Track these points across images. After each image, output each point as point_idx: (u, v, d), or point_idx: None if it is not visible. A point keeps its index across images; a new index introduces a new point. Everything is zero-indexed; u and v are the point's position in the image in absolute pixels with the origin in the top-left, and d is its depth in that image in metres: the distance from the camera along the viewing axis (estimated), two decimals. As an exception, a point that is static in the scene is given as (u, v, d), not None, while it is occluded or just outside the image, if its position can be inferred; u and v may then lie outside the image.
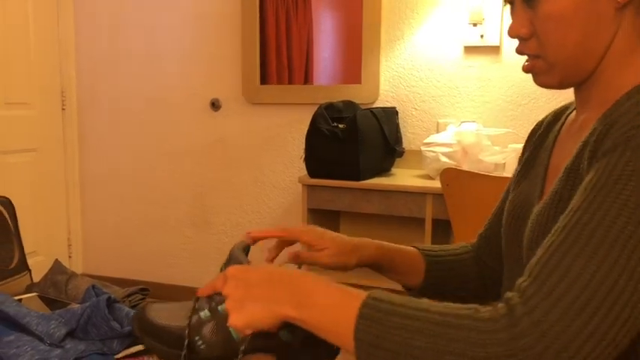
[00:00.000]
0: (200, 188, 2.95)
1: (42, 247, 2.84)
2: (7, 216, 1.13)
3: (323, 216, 2.41)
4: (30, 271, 1.25)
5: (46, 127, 3.00)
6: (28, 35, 2.86)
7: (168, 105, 2.95)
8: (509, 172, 2.12)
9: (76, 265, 3.14)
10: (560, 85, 0.74)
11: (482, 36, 2.36)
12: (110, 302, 0.90)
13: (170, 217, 3.02)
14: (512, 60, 2.36)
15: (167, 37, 2.92)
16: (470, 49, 2.42)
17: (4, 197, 1.19)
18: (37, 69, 2.92)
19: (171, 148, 2.97)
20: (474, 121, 2.34)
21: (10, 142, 2.78)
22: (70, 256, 3.16)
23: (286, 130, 2.74)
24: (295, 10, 2.72)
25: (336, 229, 2.08)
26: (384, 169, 2.40)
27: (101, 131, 3.12)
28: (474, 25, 2.33)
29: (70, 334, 0.87)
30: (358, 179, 2.18)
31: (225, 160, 2.87)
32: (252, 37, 2.73)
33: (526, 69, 0.76)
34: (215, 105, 2.84)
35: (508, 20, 2.37)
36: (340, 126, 2.22)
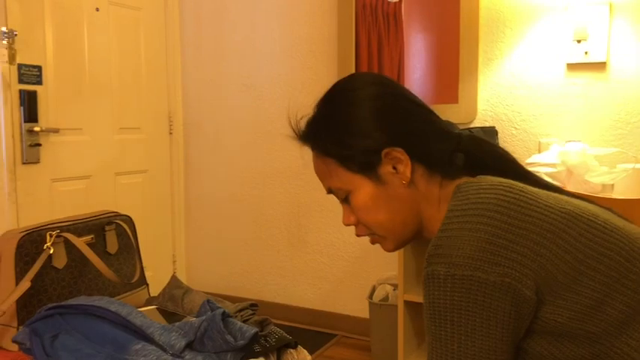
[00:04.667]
0: (296, 208, 3.02)
1: (149, 263, 3.00)
2: (129, 233, 1.22)
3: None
4: (148, 285, 1.34)
5: (155, 150, 3.20)
6: (140, 66, 3.08)
7: (266, 129, 3.06)
8: (618, 193, 2.01)
9: (180, 281, 3.29)
10: (397, 248, 0.91)
11: (586, 53, 2.27)
12: (224, 317, 0.95)
13: (268, 236, 3.11)
14: (620, 77, 2.25)
15: (266, 64, 3.04)
16: (573, 66, 2.34)
17: (126, 216, 1.28)
18: (147, 97, 3.13)
19: (269, 171, 3.07)
20: (579, 141, 2.25)
21: (123, 164, 3.00)
22: (174, 272, 3.32)
23: (381, 151, 2.75)
24: (387, 32, 2.74)
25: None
26: (482, 190, 2.34)
27: (205, 154, 3.28)
28: (578, 41, 2.25)
29: (189, 346, 0.92)
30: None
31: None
32: (347, 62, 2.78)
33: (371, 242, 0.92)
34: (312, 127, 2.91)
35: (616, 36, 2.28)
36: (437, 147, 2.20)
